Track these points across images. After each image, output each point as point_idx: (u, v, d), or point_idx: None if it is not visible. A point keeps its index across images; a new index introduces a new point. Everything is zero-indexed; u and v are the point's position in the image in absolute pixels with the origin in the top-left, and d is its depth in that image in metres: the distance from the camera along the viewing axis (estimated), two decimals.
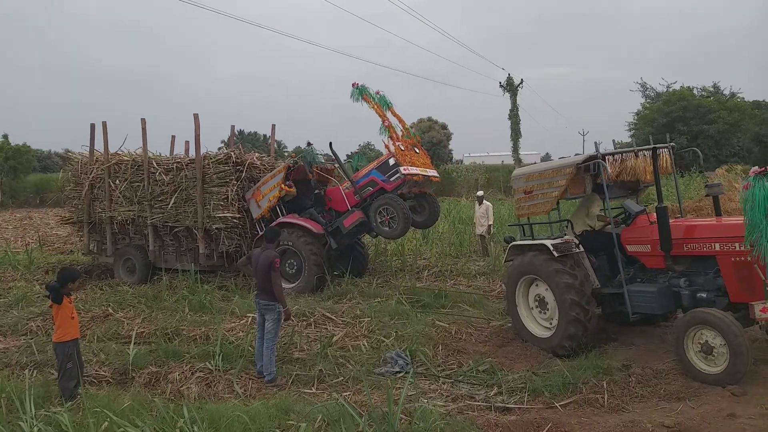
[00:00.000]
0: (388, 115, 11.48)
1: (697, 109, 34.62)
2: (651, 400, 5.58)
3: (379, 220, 10.86)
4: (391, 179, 11.10)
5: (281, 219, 11.53)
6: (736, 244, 5.85)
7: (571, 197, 8.16)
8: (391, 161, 11.24)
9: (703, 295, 6.36)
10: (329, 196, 11.96)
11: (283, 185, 11.49)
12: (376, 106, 11.26)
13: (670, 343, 6.20)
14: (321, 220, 11.65)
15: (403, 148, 11.15)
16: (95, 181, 13.26)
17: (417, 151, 11.41)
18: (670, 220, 6.70)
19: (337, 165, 12.07)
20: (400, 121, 11.66)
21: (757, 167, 5.51)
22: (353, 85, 11.37)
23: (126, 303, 10.00)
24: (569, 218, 8.06)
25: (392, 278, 12.02)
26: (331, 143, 11.90)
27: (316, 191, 12.41)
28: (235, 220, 11.67)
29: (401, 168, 10.93)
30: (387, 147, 11.48)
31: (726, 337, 5.53)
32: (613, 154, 7.00)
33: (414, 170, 11.02)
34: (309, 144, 12.40)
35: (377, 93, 11.43)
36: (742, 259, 5.84)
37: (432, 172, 11.39)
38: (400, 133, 11.58)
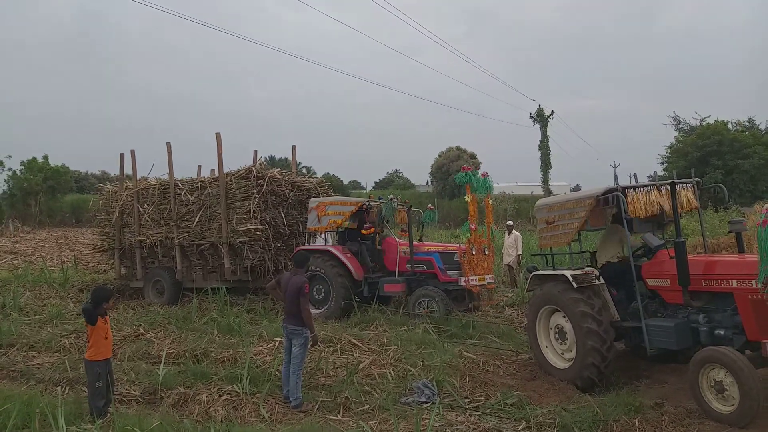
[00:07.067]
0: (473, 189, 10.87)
1: (732, 143, 34.04)
2: None
3: (417, 311, 10.60)
4: (448, 272, 10.98)
5: (328, 246, 11.69)
6: (753, 282, 5.70)
7: (591, 229, 8.11)
8: (456, 257, 11.06)
9: (720, 332, 6.22)
10: (384, 247, 11.99)
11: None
12: (472, 202, 10.77)
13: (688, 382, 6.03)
14: (368, 263, 11.71)
15: (474, 252, 10.70)
16: (125, 207, 13.70)
17: (486, 252, 11.00)
18: (692, 256, 6.57)
19: (406, 228, 11.88)
20: (489, 213, 11.22)
21: None
22: (463, 169, 10.93)
23: (157, 323, 10.17)
24: (595, 249, 7.98)
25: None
26: (411, 206, 12.19)
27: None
28: (258, 233, 11.90)
29: (462, 277, 10.70)
30: (459, 246, 11.40)
31: (735, 376, 5.40)
32: (633, 188, 6.90)
33: (473, 280, 10.70)
34: (392, 198, 12.65)
35: (483, 175, 10.82)
36: (759, 296, 5.68)
37: (489, 279, 11.03)
38: (481, 227, 11.06)
